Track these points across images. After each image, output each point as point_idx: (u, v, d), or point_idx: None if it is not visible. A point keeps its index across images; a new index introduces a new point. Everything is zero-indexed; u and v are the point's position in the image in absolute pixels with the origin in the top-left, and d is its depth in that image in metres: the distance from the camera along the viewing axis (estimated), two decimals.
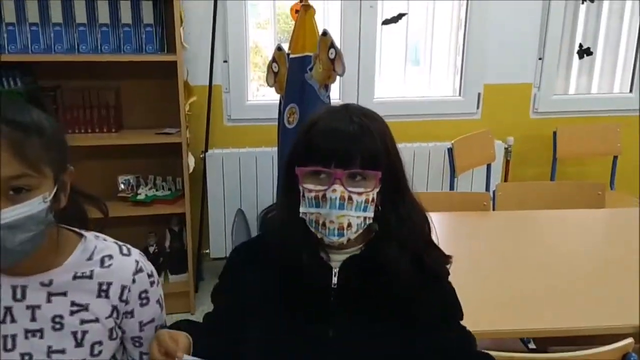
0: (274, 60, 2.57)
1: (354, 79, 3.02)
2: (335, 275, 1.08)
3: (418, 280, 1.07)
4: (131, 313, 1.07)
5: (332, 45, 2.39)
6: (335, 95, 2.98)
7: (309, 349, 1.05)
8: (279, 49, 2.56)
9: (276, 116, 2.69)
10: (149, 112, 2.77)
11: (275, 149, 2.78)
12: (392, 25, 3.04)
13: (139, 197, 2.72)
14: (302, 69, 2.40)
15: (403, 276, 1.06)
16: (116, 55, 2.55)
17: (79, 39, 2.52)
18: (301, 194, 1.05)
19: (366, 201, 1.03)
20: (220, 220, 2.98)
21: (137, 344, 1.11)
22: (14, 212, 0.89)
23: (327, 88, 2.45)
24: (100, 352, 1.04)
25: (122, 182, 2.75)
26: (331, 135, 1.02)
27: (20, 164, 0.90)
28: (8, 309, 0.99)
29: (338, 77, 2.45)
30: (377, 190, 1.04)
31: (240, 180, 2.95)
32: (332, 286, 1.08)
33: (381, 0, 3.01)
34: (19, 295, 1.00)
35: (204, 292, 2.93)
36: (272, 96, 2.87)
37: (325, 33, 2.39)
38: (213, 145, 2.94)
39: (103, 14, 2.51)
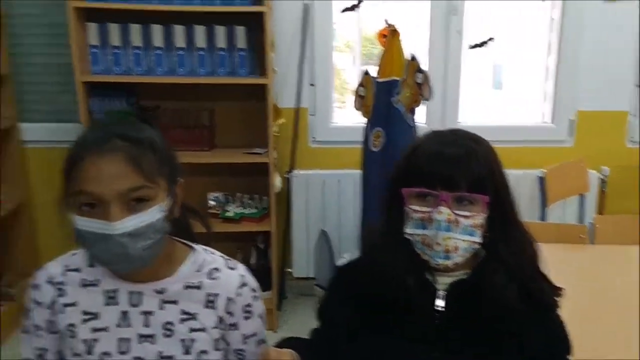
0: (361, 84, 2.61)
1: (439, 103, 3.00)
2: (440, 298, 1.08)
3: (526, 310, 1.05)
4: (235, 325, 1.11)
5: (420, 69, 2.40)
6: (420, 119, 2.97)
7: None
8: (366, 73, 2.59)
9: (359, 139, 2.72)
10: (239, 133, 2.88)
11: (358, 171, 2.81)
12: (481, 49, 3.01)
13: (227, 214, 2.82)
14: (389, 92, 2.42)
15: (510, 304, 1.04)
16: (211, 78, 2.67)
17: (177, 63, 2.67)
18: (405, 215, 1.06)
19: (473, 225, 1.02)
20: (303, 240, 3.03)
21: (239, 357, 1.14)
22: (135, 221, 0.96)
23: (413, 112, 2.46)
24: None
25: (211, 199, 2.86)
26: (437, 158, 1.03)
27: (138, 176, 0.97)
28: (125, 314, 1.06)
29: (423, 101, 2.45)
30: (484, 215, 1.04)
31: (324, 201, 2.99)
32: (436, 308, 1.08)
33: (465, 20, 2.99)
34: (135, 301, 1.07)
35: (287, 310, 2.98)
36: (355, 119, 2.92)
37: (413, 57, 2.40)
38: (298, 166, 3.01)
39: (200, 39, 2.65)
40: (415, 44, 3.01)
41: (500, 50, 3.11)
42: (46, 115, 2.93)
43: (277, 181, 2.80)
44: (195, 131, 2.79)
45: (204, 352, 1.08)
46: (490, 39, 3.02)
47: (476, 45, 3.00)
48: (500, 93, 3.22)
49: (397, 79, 2.41)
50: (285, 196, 3.00)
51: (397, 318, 1.08)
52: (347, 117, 3.08)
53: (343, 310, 1.14)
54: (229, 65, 2.69)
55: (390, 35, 2.42)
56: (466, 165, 1.02)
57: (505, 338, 1.05)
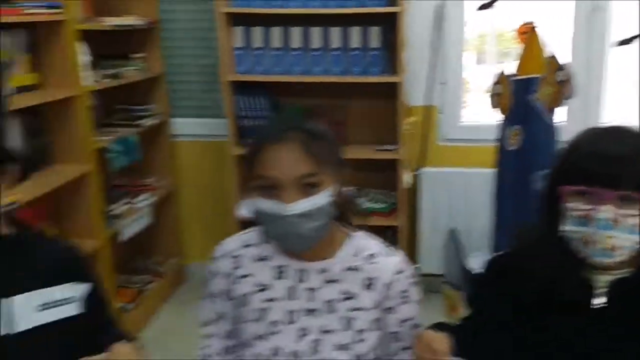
0: (497, 82, 2.57)
1: (581, 101, 2.87)
2: (598, 296, 1.07)
3: None
4: (392, 309, 1.17)
5: (561, 67, 2.32)
6: (560, 118, 2.86)
7: None
8: (503, 71, 2.55)
9: (489, 137, 2.69)
10: (370, 129, 2.95)
11: (489, 170, 2.77)
12: (628, 46, 2.83)
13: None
14: (527, 90, 2.37)
15: None
16: (344, 77, 2.77)
17: (313, 62, 2.80)
18: (563, 212, 1.06)
19: (636, 225, 1.01)
20: (431, 237, 3.03)
21: (395, 339, 1.20)
22: (307, 204, 1.06)
23: (552, 110, 2.38)
24: (364, 339, 1.15)
25: None
26: (601, 156, 1.02)
27: (312, 164, 1.07)
28: (292, 288, 1.16)
29: (565, 100, 2.37)
30: None
31: (452, 199, 2.99)
32: (593, 306, 1.07)
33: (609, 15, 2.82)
34: (301, 278, 1.16)
35: None
36: (487, 118, 2.88)
37: (553, 56, 2.33)
38: (427, 164, 3.03)
39: (335, 40, 2.76)
40: (556, 41, 2.91)
41: None
42: (194, 111, 3.21)
43: (406, 177, 2.84)
44: (330, 127, 2.89)
45: (362, 330, 1.15)
46: (638, 36, 2.83)
47: (623, 42, 2.83)
48: None
49: (537, 76, 2.34)
50: (413, 193, 3.03)
51: (553, 313, 1.08)
52: (474, 115, 3.05)
53: (494, 302, 1.16)
54: (362, 64, 2.77)
55: (529, 33, 2.37)
56: (632, 163, 1.00)
57: None
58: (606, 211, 1.00)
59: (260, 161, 1.08)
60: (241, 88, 2.86)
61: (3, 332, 1.04)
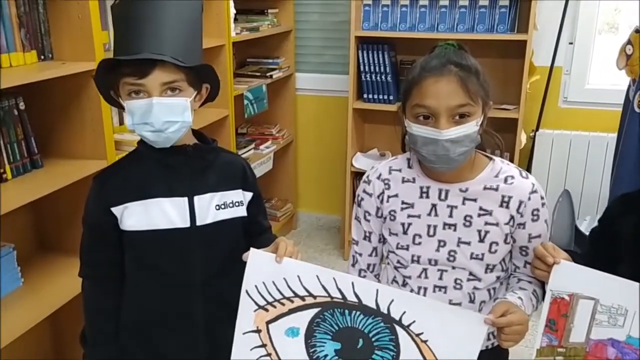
0: (628, 42, 2.50)
1: None
2: None
3: None
4: (523, 225, 1.28)
5: None
6: None
7: None
8: (637, 31, 2.47)
9: (614, 101, 2.63)
10: (491, 88, 2.97)
11: (611, 135, 2.72)
12: None
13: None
14: None
15: None
16: (470, 34, 2.81)
17: (439, 19, 2.86)
18: None
19: None
20: None
21: (523, 253, 1.31)
22: (458, 131, 1.18)
23: None
24: (496, 251, 1.28)
25: None
26: None
27: (465, 96, 1.18)
28: (434, 206, 1.30)
29: None
30: None
31: (568, 162, 2.97)
32: None
33: None
34: (442, 197, 1.30)
35: None
36: (614, 81, 2.81)
37: None
38: (545, 125, 3.02)
39: None
40: None
41: None
42: (316, 67, 3.38)
43: (522, 138, 2.86)
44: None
45: (495, 242, 1.28)
46: None
47: None
48: None
49: None
50: (527, 154, 3.03)
51: None
52: (603, 78, 2.97)
53: (622, 234, 1.22)
54: (489, 22, 2.79)
55: None
56: None
57: None
58: None
59: (419, 91, 1.21)
60: (364, 44, 2.98)
61: (189, 224, 1.26)
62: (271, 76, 3.07)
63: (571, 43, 2.92)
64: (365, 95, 3.05)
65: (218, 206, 1.30)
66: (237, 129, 3.25)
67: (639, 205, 1.23)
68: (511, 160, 2.92)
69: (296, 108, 3.46)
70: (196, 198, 1.28)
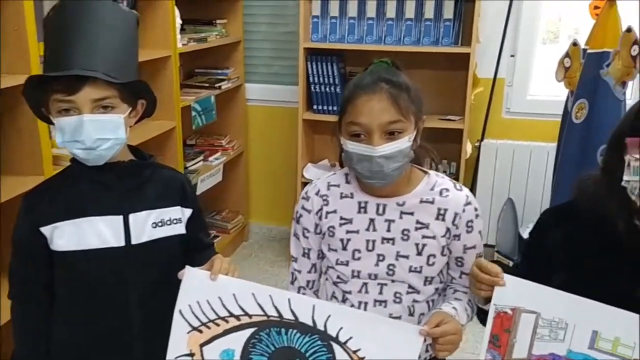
0: (567, 55, 2.61)
1: None
2: None
3: None
4: (458, 237, 1.31)
5: (636, 41, 2.33)
6: (629, 92, 2.87)
7: (614, 306, 1.14)
8: (574, 44, 2.59)
9: (555, 112, 2.73)
10: (436, 99, 3.04)
11: (551, 144, 2.83)
12: None
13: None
14: (598, 64, 2.40)
15: None
16: (416, 46, 2.87)
17: (386, 32, 2.91)
18: (626, 163, 1.14)
19: None
20: (487, 208, 3.12)
21: (458, 264, 1.34)
22: (391, 147, 1.21)
23: (624, 85, 2.41)
24: (433, 263, 1.31)
25: None
26: None
27: (396, 113, 1.21)
28: (372, 221, 1.32)
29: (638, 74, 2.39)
30: None
31: (512, 171, 3.06)
32: None
33: None
34: (380, 211, 1.31)
35: None
36: (554, 92, 2.91)
37: (629, 29, 2.34)
38: (489, 135, 3.10)
39: (409, 10, 2.85)
40: (630, 15, 2.90)
41: None
42: (266, 77, 3.38)
43: (468, 148, 2.93)
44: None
45: (432, 255, 1.30)
46: None
47: None
48: None
49: (609, 50, 2.37)
50: (473, 164, 3.11)
51: (605, 258, 1.18)
52: (544, 89, 3.08)
53: (551, 246, 1.26)
54: (434, 34, 2.86)
55: (606, 6, 2.39)
56: None
57: None
58: None
59: (352, 109, 1.23)
60: (314, 56, 3.00)
61: (124, 243, 1.24)
62: (220, 87, 3.05)
63: (513, 55, 3.02)
64: (315, 106, 3.07)
65: (155, 224, 1.28)
66: (185, 141, 3.22)
67: (566, 218, 1.28)
68: (457, 170, 3.03)
69: (246, 119, 3.44)
70: (131, 216, 1.25)
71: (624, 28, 2.35)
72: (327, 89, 3.03)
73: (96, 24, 1.17)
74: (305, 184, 3.14)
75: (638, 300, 1.15)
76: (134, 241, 1.25)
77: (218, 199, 3.45)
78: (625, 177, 1.15)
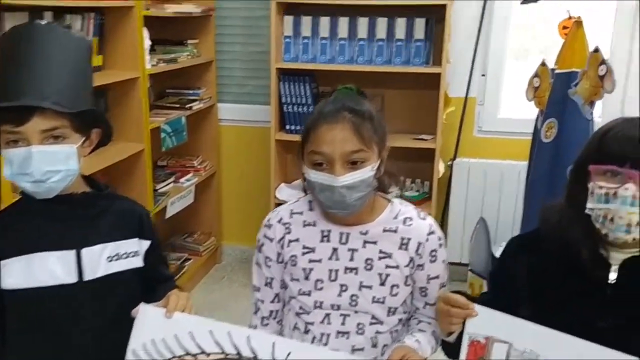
0: (536, 75, 2.63)
1: (619, 97, 2.90)
2: (614, 272, 1.15)
3: None
4: (422, 266, 1.29)
5: (603, 61, 2.36)
6: (597, 112, 2.90)
7: (578, 336, 1.13)
8: (543, 64, 2.61)
9: (525, 130, 2.74)
10: (408, 119, 3.05)
11: (522, 162, 2.84)
12: None
13: (390, 195, 3.01)
14: (567, 84, 2.42)
15: None
16: (388, 66, 2.87)
17: (358, 52, 2.91)
18: (590, 191, 1.14)
19: None
20: (460, 226, 3.12)
21: (422, 294, 1.32)
22: (353, 177, 1.19)
23: (592, 104, 2.43)
24: (397, 293, 1.28)
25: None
26: (630, 140, 1.11)
27: (359, 142, 1.19)
28: (335, 250, 1.29)
29: (604, 94, 2.41)
30: None
31: (484, 190, 3.06)
32: (609, 282, 1.15)
33: None
34: (343, 240, 1.29)
35: None
36: (524, 111, 2.93)
37: (596, 49, 2.37)
38: (461, 154, 3.11)
39: (381, 30, 2.85)
40: (598, 35, 2.95)
41: None
42: (239, 97, 3.35)
43: (440, 167, 2.93)
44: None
45: (396, 285, 1.28)
46: None
47: None
48: None
49: (577, 70, 2.40)
50: (445, 183, 3.11)
51: (569, 287, 1.16)
52: (512, 108, 3.10)
53: (517, 276, 1.25)
54: (405, 54, 2.86)
55: (573, 27, 2.42)
56: None
57: None
58: (631, 189, 1.08)
59: (315, 138, 1.21)
60: (286, 76, 2.98)
61: (77, 279, 1.19)
62: (191, 107, 3.01)
63: (483, 75, 3.04)
64: (287, 126, 3.04)
65: (110, 257, 1.23)
66: (156, 162, 3.17)
67: (530, 248, 1.26)
68: (430, 189, 3.03)
69: (219, 139, 3.40)
70: (85, 250, 1.20)
71: (591, 48, 2.39)
72: (300, 109, 3.01)
73: (46, 52, 1.13)
74: (278, 204, 3.09)
75: (603, 329, 1.14)
76: (87, 277, 1.20)
77: (190, 220, 3.39)
78: (588, 205, 1.14)
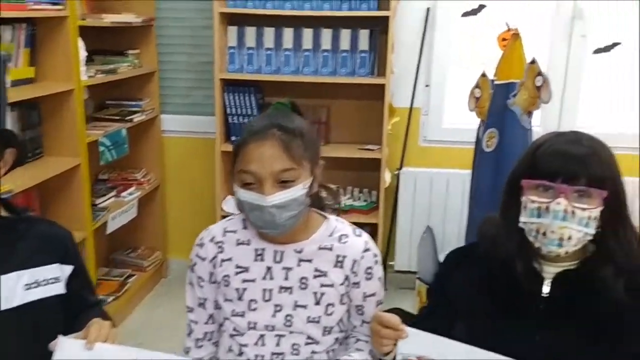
0: (477, 85, 2.67)
1: (557, 107, 2.99)
2: (547, 285, 1.16)
3: (631, 305, 1.11)
4: (358, 284, 1.27)
5: (540, 72, 2.42)
6: (536, 122, 2.98)
7: (514, 350, 1.13)
8: (483, 75, 2.66)
9: (469, 139, 2.79)
10: (354, 129, 3.05)
11: (467, 171, 2.87)
12: (606, 54, 2.96)
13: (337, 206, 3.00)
14: (506, 95, 2.47)
15: (615, 297, 1.11)
16: (333, 77, 2.86)
17: (303, 63, 2.89)
18: (523, 205, 1.15)
19: (588, 217, 1.10)
20: (407, 235, 3.14)
21: (359, 312, 1.30)
22: (283, 196, 1.16)
23: (530, 114, 2.49)
24: (332, 312, 1.26)
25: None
26: (561, 155, 1.12)
27: (288, 160, 1.16)
28: (269, 269, 1.26)
29: (541, 104, 2.47)
30: (600, 209, 1.11)
31: (431, 199, 3.09)
32: (542, 295, 1.16)
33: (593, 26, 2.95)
34: (278, 259, 1.26)
35: (386, 302, 3.06)
36: (467, 121, 2.98)
37: (533, 61, 2.43)
38: (407, 164, 3.13)
39: (326, 41, 2.85)
40: (535, 47, 3.03)
41: (627, 54, 3.02)
42: (184, 108, 3.28)
43: (387, 177, 2.94)
44: (314, 126, 2.98)
45: (331, 304, 1.25)
46: (616, 44, 2.96)
47: (600, 50, 2.95)
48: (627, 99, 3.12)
49: (516, 81, 2.45)
50: (393, 192, 3.12)
51: (505, 301, 1.17)
52: (456, 118, 3.15)
53: (454, 290, 1.25)
54: (350, 65, 2.86)
55: (511, 39, 2.47)
56: (589, 163, 1.11)
57: (607, 328, 1.12)
58: (562, 203, 1.10)
59: (244, 156, 1.18)
60: (231, 86, 2.94)
61: None
62: (132, 119, 2.92)
63: (427, 85, 3.07)
64: (233, 138, 2.99)
65: (28, 285, 1.16)
66: (97, 176, 3.06)
67: (467, 261, 1.27)
68: (377, 199, 3.04)
69: (162, 151, 3.31)
70: (1, 278, 1.13)
71: (529, 60, 2.45)
72: (245, 120, 2.96)
73: None
74: (224, 216, 3.04)
75: (539, 343, 1.14)
76: (3, 306, 1.12)
77: (133, 235, 3.29)
78: (522, 219, 1.15)
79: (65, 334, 1.06)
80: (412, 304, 2.95)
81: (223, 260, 1.28)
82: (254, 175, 1.16)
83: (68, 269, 1.23)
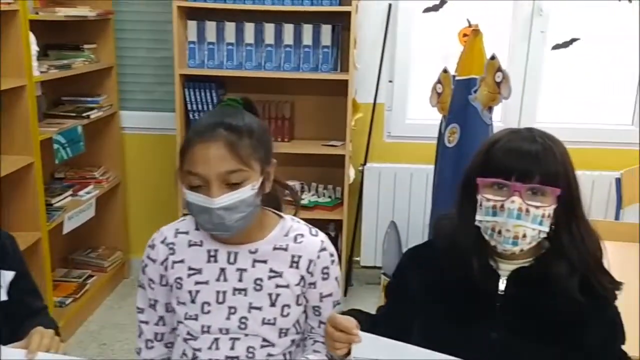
0: (438, 81, 2.68)
1: (517, 102, 3.03)
2: (503, 283, 1.17)
3: (584, 300, 1.12)
4: (314, 284, 1.25)
5: (500, 68, 2.44)
6: (497, 117, 3.01)
7: (471, 348, 1.13)
8: (445, 71, 2.66)
9: (433, 135, 2.80)
10: (318, 125, 3.03)
11: (431, 166, 2.89)
12: (565, 50, 3.01)
13: (302, 201, 2.98)
14: (467, 90, 2.48)
15: (569, 294, 1.12)
16: (296, 73, 2.83)
17: (266, 58, 2.85)
18: (478, 203, 1.14)
19: (542, 215, 1.10)
20: (372, 230, 3.14)
21: (316, 313, 1.28)
22: (230, 197, 1.12)
23: (490, 110, 2.50)
24: (288, 314, 1.23)
25: None
26: (516, 152, 1.12)
27: (235, 161, 1.12)
28: (223, 270, 1.22)
29: (502, 100, 2.49)
30: (553, 206, 1.11)
31: (395, 194, 3.09)
32: (499, 292, 1.16)
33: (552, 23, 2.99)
34: (232, 260, 1.23)
35: (352, 297, 3.11)
36: (431, 116, 2.99)
37: (493, 57, 2.44)
38: (372, 159, 3.12)
39: (288, 37, 2.82)
40: (495, 43, 3.05)
41: (585, 50, 3.07)
42: (143, 104, 3.20)
43: (351, 173, 2.93)
44: (277, 122, 2.96)
45: (287, 305, 1.23)
46: (575, 40, 3.01)
47: (559, 46, 3.00)
48: (592, 95, 3.18)
49: (476, 77, 2.46)
50: (357, 187, 3.11)
51: (462, 299, 1.17)
52: (419, 113, 3.16)
53: (411, 289, 1.24)
54: (313, 61, 2.84)
55: (472, 35, 2.48)
56: (543, 160, 1.10)
57: (563, 325, 1.13)
58: (517, 202, 1.09)
59: (190, 157, 1.14)
60: (192, 82, 2.88)
61: None
62: (88, 116, 2.84)
63: (391, 81, 3.07)
64: None
65: None
66: (53, 174, 2.97)
67: (424, 260, 1.26)
68: (342, 195, 3.02)
69: (122, 148, 3.23)
70: None
71: (489, 55, 2.46)
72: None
73: None
74: (186, 214, 2.99)
75: (496, 341, 1.14)
76: None
77: (93, 235, 3.20)
78: (477, 217, 1.15)
79: (6, 343, 1.02)
80: (377, 299, 2.96)
81: (175, 262, 1.24)
82: (201, 177, 1.12)
83: (9, 275, 1.18)
